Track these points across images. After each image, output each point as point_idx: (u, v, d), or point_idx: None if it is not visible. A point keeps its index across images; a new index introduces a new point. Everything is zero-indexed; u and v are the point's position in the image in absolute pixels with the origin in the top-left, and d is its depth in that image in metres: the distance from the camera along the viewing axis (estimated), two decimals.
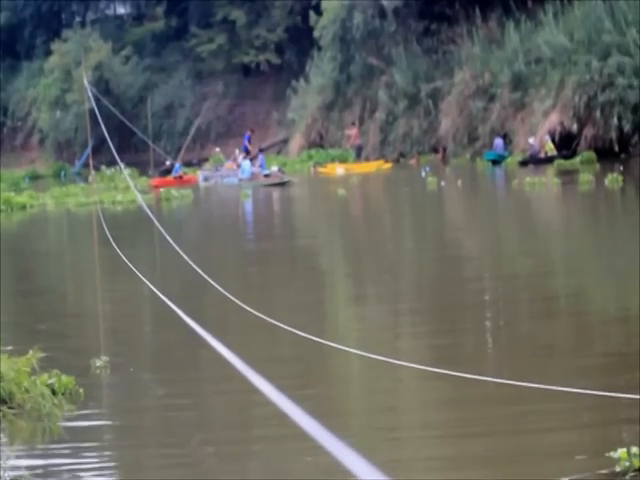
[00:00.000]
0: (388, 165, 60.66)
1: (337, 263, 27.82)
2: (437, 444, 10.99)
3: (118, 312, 21.49)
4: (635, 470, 8.90)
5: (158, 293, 11.95)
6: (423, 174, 51.62)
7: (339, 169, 60.60)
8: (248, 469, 10.49)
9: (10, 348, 13.16)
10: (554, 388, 10.55)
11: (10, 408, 11.83)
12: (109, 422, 12.42)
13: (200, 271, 16.91)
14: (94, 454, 11.19)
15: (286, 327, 13.57)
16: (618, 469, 8.94)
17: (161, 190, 52.59)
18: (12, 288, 25.05)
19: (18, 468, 10.06)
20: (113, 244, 19.64)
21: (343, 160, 64.91)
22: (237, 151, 64.89)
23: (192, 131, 76.61)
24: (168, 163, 61.46)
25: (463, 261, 26.23)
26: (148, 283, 13.90)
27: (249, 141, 62.71)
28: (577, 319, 16.69)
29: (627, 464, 8.95)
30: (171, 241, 19.23)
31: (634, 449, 9.04)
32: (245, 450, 11.14)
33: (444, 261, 25.99)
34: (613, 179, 38.07)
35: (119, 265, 30.32)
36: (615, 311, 17.31)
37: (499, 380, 11.33)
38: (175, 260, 18.17)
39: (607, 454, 9.12)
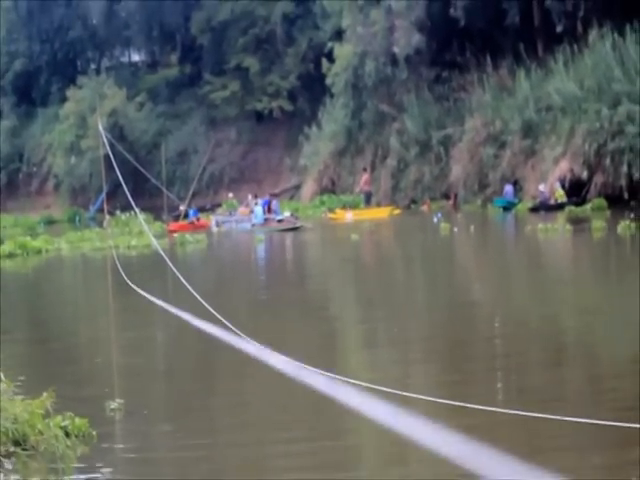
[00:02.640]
0: (398, 211, 60.69)
1: (352, 309, 27.78)
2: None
3: (133, 356, 21.48)
4: None
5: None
6: (435, 220, 51.63)
7: (348, 215, 60.71)
8: None
9: (24, 391, 13.15)
10: (560, 418, 10.53)
11: (24, 450, 11.81)
12: (122, 465, 12.39)
13: (216, 314, 16.91)
14: None
15: (306, 366, 13.57)
16: None
17: (175, 235, 52.77)
18: (27, 333, 25.08)
19: None
20: (133, 286, 19.57)
21: (354, 206, 64.97)
22: (250, 196, 65.06)
23: (198, 174, 76.81)
24: (182, 208, 61.55)
25: (479, 307, 26.21)
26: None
27: (267, 203, 62.57)
28: (585, 365, 16.64)
29: None
30: (188, 285, 19.23)
31: None
32: None
33: (461, 307, 25.99)
34: (626, 226, 38.05)
35: (134, 310, 30.51)
36: (622, 357, 17.26)
37: (516, 412, 11.33)
38: (191, 303, 18.12)
39: None
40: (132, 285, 30.77)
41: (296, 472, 11.59)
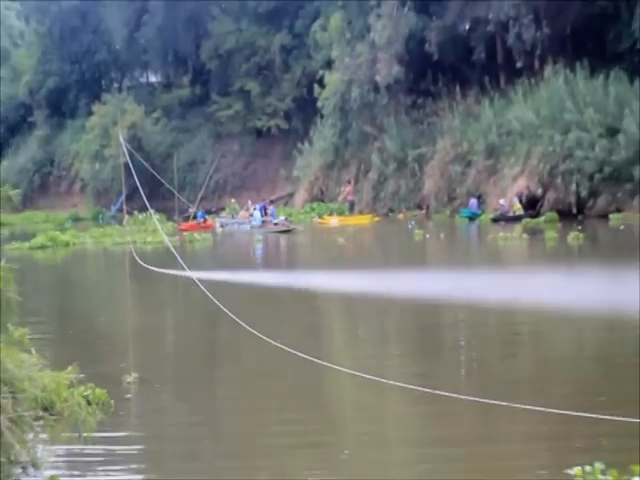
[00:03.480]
0: (377, 218, 60.80)
1: (336, 299, 27.82)
2: (412, 449, 10.96)
3: (147, 336, 21.47)
4: None
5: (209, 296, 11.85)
6: (410, 227, 51.76)
7: (333, 220, 60.89)
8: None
9: (51, 365, 13.13)
10: (522, 406, 10.53)
11: (51, 415, 11.79)
12: (135, 431, 12.42)
13: (218, 303, 16.88)
14: (122, 457, 11.23)
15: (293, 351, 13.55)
16: None
17: (185, 234, 52.90)
18: (55, 315, 25.03)
19: (56, 466, 10.04)
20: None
21: (340, 213, 65.11)
22: (249, 202, 65.14)
23: (205, 181, 76.93)
24: (191, 210, 61.57)
25: (447, 299, 26.30)
26: (209, 293, 13.83)
27: (264, 208, 62.73)
28: (538, 354, 16.65)
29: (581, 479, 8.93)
30: (191, 274, 19.20)
31: (588, 468, 9.01)
32: (254, 462, 11.08)
33: (431, 299, 26.08)
34: (574, 237, 38.16)
35: (149, 295, 30.45)
36: (570, 346, 17.29)
37: (474, 398, 11.29)
38: (197, 292, 18.12)
39: (564, 471, 9.10)
40: (145, 265, 30.87)
41: (285, 436, 11.62)
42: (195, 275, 21.76)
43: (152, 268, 31.92)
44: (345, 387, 13.74)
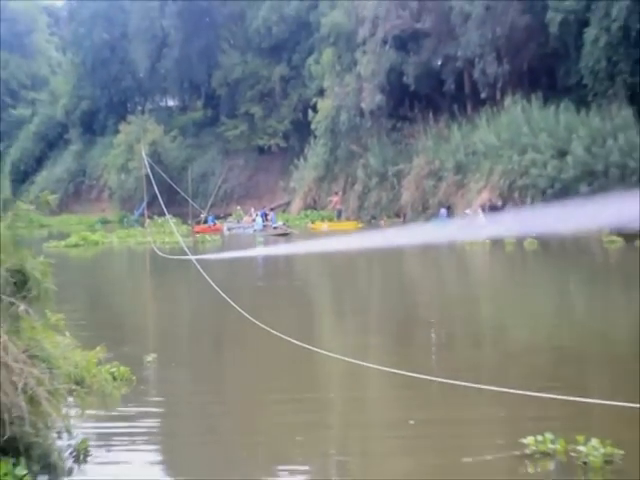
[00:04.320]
0: (361, 225, 60.88)
1: (329, 284, 27.89)
2: (386, 425, 10.97)
3: (165, 321, 21.49)
4: (540, 453, 8.91)
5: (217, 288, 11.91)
6: (390, 231, 51.76)
7: (324, 226, 60.96)
8: (261, 450, 10.43)
9: (82, 345, 13.16)
10: (486, 387, 10.55)
11: (82, 388, 11.81)
12: (154, 402, 12.43)
13: (223, 294, 16.88)
14: (142, 425, 11.24)
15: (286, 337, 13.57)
16: (527, 452, 8.95)
17: (197, 235, 53.01)
18: (86, 302, 25.01)
19: (86, 433, 10.05)
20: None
21: (330, 219, 65.16)
22: (252, 209, 65.22)
23: (215, 190, 77.17)
24: (202, 215, 61.59)
25: (421, 286, 26.41)
26: (212, 283, 13.87)
27: (265, 214, 62.94)
28: (497, 343, 16.67)
29: (534, 448, 8.97)
30: (201, 269, 19.20)
31: (540, 437, 9.05)
32: (258, 437, 11.09)
33: (406, 287, 26.18)
34: (529, 242, 38.19)
35: (166, 286, 30.42)
36: (528, 335, 17.30)
37: (447, 380, 11.29)
38: (202, 282, 18.12)
39: (520, 440, 9.13)
40: (163, 254, 30.75)
41: (285, 413, 11.63)
42: (195, 258, 21.83)
43: (169, 256, 32.18)
44: (328, 366, 13.73)
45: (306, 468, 9.21)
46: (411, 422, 10.69)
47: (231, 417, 11.34)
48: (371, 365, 12.34)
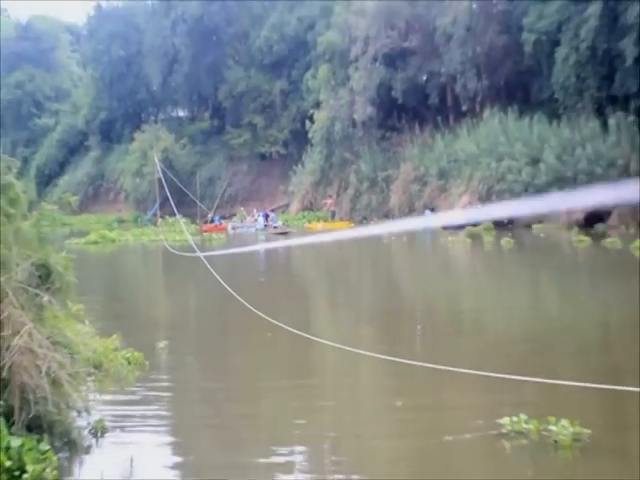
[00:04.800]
0: (353, 224, 60.95)
1: (324, 278, 27.91)
2: (372, 403, 10.98)
3: (176, 311, 21.49)
4: (515, 432, 8.92)
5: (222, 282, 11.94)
6: None
7: (319, 225, 60.99)
8: (262, 431, 10.42)
9: (100, 333, 13.19)
10: (468, 371, 10.54)
11: (100, 371, 11.85)
12: (165, 385, 12.44)
13: (227, 286, 16.87)
14: (154, 406, 11.22)
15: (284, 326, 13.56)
16: (504, 431, 8.97)
17: (205, 233, 53.09)
18: (104, 294, 25.01)
19: (103, 412, 10.04)
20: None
21: (325, 220, 65.21)
22: (255, 210, 65.27)
23: (220, 193, 77.29)
24: (209, 216, 61.59)
25: (408, 280, 26.44)
26: (218, 277, 13.90)
27: (267, 215, 63.04)
28: (478, 330, 16.66)
29: (510, 428, 8.98)
30: (208, 265, 19.19)
31: (515, 418, 9.06)
32: (259, 419, 11.09)
33: (394, 281, 26.22)
34: (506, 241, 38.23)
35: (176, 280, 30.40)
36: (505, 325, 17.31)
37: (429, 365, 11.29)
38: (209, 276, 18.11)
39: (496, 421, 9.15)
40: (175, 251, 30.69)
41: (285, 397, 11.63)
42: (203, 255, 21.80)
43: (181, 253, 32.17)
44: (323, 353, 13.73)
45: (303, 448, 9.23)
46: (398, 404, 10.70)
47: (235, 400, 11.33)
48: (363, 352, 12.33)
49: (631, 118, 47.32)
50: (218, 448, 9.38)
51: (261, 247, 41.92)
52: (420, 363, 11.37)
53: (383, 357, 12.12)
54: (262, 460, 8.83)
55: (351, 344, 13.22)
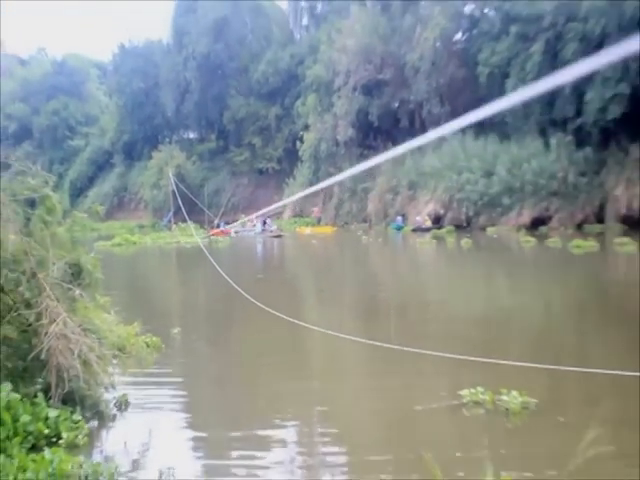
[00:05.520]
0: (335, 228, 61.12)
1: (312, 274, 27.96)
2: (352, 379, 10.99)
3: (189, 302, 21.44)
4: (473, 402, 8.95)
5: (227, 278, 11.92)
6: (359, 234, 52.01)
7: (307, 230, 61.09)
8: (260, 403, 10.42)
9: (124, 321, 13.15)
10: (435, 353, 10.58)
11: (123, 353, 11.82)
12: (179, 365, 12.42)
13: (230, 281, 16.85)
14: (169, 382, 11.22)
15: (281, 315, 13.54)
16: (464, 401, 8.99)
17: (212, 237, 53.02)
18: (127, 289, 24.95)
19: (126, 388, 10.03)
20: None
21: (312, 225, 65.31)
22: (254, 217, 65.14)
23: (225, 203, 77.06)
24: (215, 222, 61.44)
25: (383, 275, 26.49)
26: (222, 273, 13.89)
27: (265, 221, 62.97)
28: (442, 316, 16.70)
29: (469, 399, 9.01)
30: (214, 263, 19.16)
31: (472, 390, 9.09)
32: (258, 392, 11.08)
33: (372, 275, 26.24)
34: (465, 242, 38.39)
35: (191, 274, 30.31)
36: (465, 312, 17.33)
37: (406, 348, 11.30)
38: (215, 273, 18.09)
39: (457, 392, 9.17)
40: (183, 244, 30.52)
41: (280, 374, 11.63)
42: (210, 256, 21.74)
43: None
44: (313, 337, 13.72)
45: (296, 416, 9.24)
46: (375, 381, 10.73)
47: (238, 377, 11.33)
48: (345, 336, 12.35)
49: (569, 138, 47.60)
50: (222, 416, 9.38)
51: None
52: (392, 346, 11.41)
53: (362, 340, 12.15)
54: (259, 428, 8.84)
55: (335, 328, 13.24)
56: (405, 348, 11.18)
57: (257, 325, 15.36)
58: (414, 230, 52.43)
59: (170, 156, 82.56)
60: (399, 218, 56.87)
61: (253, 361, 12.38)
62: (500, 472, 6.00)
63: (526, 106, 50.29)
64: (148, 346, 12.93)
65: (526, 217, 47.93)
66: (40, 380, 8.67)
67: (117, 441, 8.23)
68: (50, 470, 6.76)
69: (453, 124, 3.81)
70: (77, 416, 8.37)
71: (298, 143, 71.14)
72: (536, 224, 46.96)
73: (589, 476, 6.10)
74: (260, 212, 37.01)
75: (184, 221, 55.31)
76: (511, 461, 7.16)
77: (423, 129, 60.78)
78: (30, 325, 8.71)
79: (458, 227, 50.15)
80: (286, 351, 13.08)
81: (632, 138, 44.54)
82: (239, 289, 16.33)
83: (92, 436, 8.36)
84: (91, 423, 8.69)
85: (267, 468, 7.48)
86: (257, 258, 40.45)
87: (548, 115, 48.95)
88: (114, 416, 9.15)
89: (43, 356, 8.44)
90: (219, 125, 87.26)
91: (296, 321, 13.57)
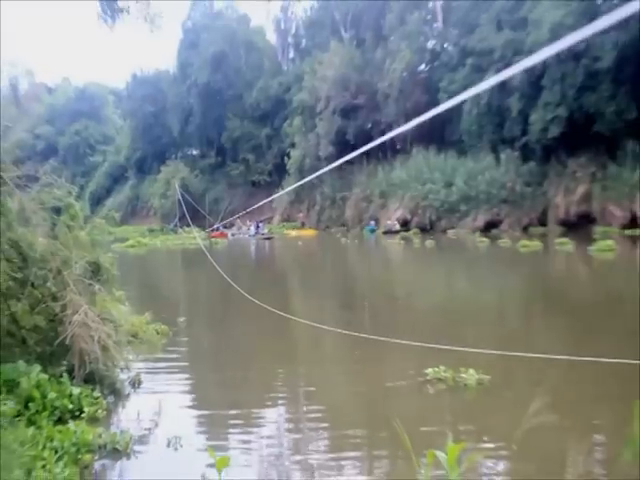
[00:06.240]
0: (317, 232, 61.20)
1: (298, 271, 27.95)
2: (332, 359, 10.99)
3: (193, 294, 21.38)
4: (437, 379, 9.03)
5: (225, 277, 11.84)
6: (338, 236, 52.06)
7: (293, 232, 61.13)
8: (253, 383, 10.39)
9: (136, 311, 13.09)
10: (404, 342, 10.58)
11: (136, 339, 11.78)
12: (184, 350, 12.37)
13: (227, 277, 16.82)
14: (176, 364, 11.15)
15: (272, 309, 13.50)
16: (429, 378, 9.04)
17: (212, 239, 52.88)
18: (138, 284, 24.83)
19: (139, 369, 9.99)
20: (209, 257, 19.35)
21: (298, 228, 65.33)
22: (248, 222, 64.95)
23: (223, 210, 76.68)
24: (215, 226, 61.20)
25: (359, 271, 26.53)
26: (222, 272, 13.81)
27: (257, 225, 62.86)
28: (409, 306, 16.73)
29: (433, 376, 9.08)
30: (213, 262, 19.11)
31: (436, 369, 9.14)
32: (251, 373, 11.04)
33: (349, 271, 26.28)
34: (429, 242, 38.55)
35: (194, 271, 30.18)
36: (428, 302, 17.37)
37: (380, 337, 11.30)
38: (215, 270, 18.04)
39: (423, 371, 9.19)
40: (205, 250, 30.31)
41: (271, 358, 11.62)
42: (210, 255, 21.70)
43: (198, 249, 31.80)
44: (299, 328, 13.73)
45: (285, 395, 9.25)
46: (352, 365, 10.76)
47: (234, 360, 11.28)
48: (326, 327, 12.35)
49: (516, 154, 47.93)
50: (221, 394, 9.36)
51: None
52: (366, 335, 11.42)
53: (340, 331, 12.15)
54: (254, 399, 8.83)
55: (317, 319, 13.25)
56: (381, 338, 11.18)
57: (249, 315, 15.32)
58: (385, 232, 52.54)
59: (176, 170, 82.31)
60: (372, 222, 57.04)
61: (248, 346, 12.35)
62: (459, 438, 6.02)
63: (480, 126, 50.80)
64: (158, 333, 12.88)
65: (480, 221, 48.19)
66: (65, 362, 8.65)
67: (131, 414, 8.23)
68: (74, 440, 6.81)
69: (428, 114, 3.92)
70: (97, 393, 8.39)
71: (286, 159, 71.14)
72: (489, 227, 47.24)
73: (534, 440, 6.17)
74: (241, 213, 37.19)
75: (188, 225, 55.26)
76: (469, 428, 7.21)
77: (393, 146, 61.16)
78: (56, 315, 8.70)
79: (423, 230, 50.28)
80: (274, 338, 13.06)
81: (569, 154, 44.97)
82: (235, 285, 16.26)
83: (110, 410, 8.37)
84: (109, 399, 8.68)
85: (261, 438, 7.50)
86: (250, 257, 40.39)
87: (498, 134, 49.31)
88: (128, 393, 9.14)
89: (67, 342, 8.42)
90: (218, 143, 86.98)
91: (283, 314, 13.52)
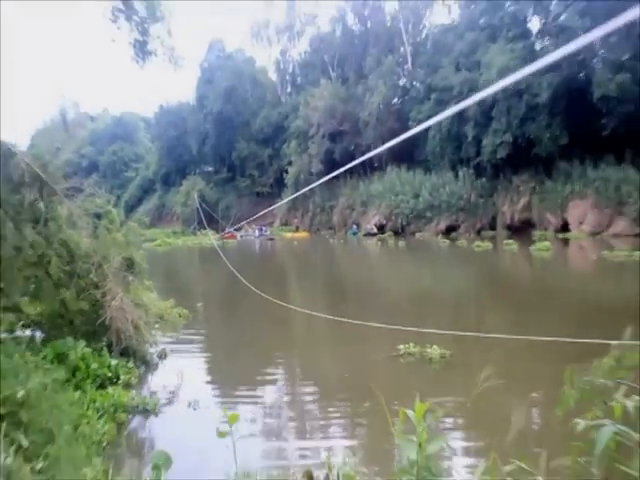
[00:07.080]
0: (309, 234, 61.05)
1: (294, 265, 27.92)
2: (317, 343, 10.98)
3: (208, 286, 21.32)
4: (407, 354, 9.05)
5: (234, 271, 11.72)
6: (326, 238, 52.03)
7: (289, 234, 60.97)
8: (255, 361, 10.38)
9: (162, 298, 13.06)
10: (381, 325, 10.60)
11: (162, 321, 11.75)
12: (202, 330, 12.36)
13: (236, 272, 16.79)
14: (195, 342, 11.14)
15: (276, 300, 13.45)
16: (401, 353, 9.07)
17: (224, 240, 52.70)
18: (163, 277, 24.77)
19: (165, 345, 9.99)
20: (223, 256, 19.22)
21: (294, 231, 65.15)
22: (254, 225, 64.69)
23: (233, 215, 76.11)
24: (227, 229, 60.85)
25: (345, 265, 26.55)
26: (232, 267, 13.73)
27: (261, 228, 62.67)
28: (388, 296, 16.75)
29: (404, 351, 9.10)
30: (225, 259, 19.07)
31: (407, 345, 9.16)
32: (254, 351, 11.04)
33: (336, 266, 26.29)
34: (401, 243, 38.66)
35: (209, 266, 30.03)
36: (401, 292, 17.40)
37: (364, 322, 11.32)
38: (227, 267, 18.01)
39: (396, 347, 9.22)
40: (200, 235, 30.15)
41: (271, 341, 11.61)
42: (222, 253, 21.66)
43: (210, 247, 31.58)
44: (297, 317, 13.71)
45: (281, 373, 9.27)
46: (338, 345, 10.76)
47: (242, 341, 11.26)
48: (316, 314, 12.35)
49: (471, 171, 48.05)
50: (232, 370, 9.36)
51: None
52: (349, 320, 11.43)
53: (327, 316, 12.14)
54: (257, 366, 8.85)
55: (309, 306, 13.25)
56: (365, 323, 11.19)
57: (253, 302, 15.34)
58: (365, 235, 52.56)
59: (195, 183, 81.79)
60: (355, 226, 56.96)
61: (253, 330, 12.34)
62: (425, 399, 6.06)
63: (442, 148, 50.92)
64: (180, 316, 12.86)
65: (442, 226, 48.27)
66: (105, 339, 8.68)
67: (159, 382, 8.28)
68: (112, 401, 6.88)
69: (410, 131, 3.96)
70: (130, 364, 8.44)
71: (284, 174, 70.86)
72: (449, 231, 47.35)
73: (486, 400, 6.23)
74: (249, 219, 37.02)
75: (204, 228, 55.15)
76: (433, 392, 7.26)
77: (371, 165, 61.02)
78: (97, 301, 8.71)
79: (396, 233, 50.30)
80: (274, 322, 13.03)
81: (514, 171, 45.21)
82: (242, 279, 16.22)
83: (141, 378, 8.43)
84: (140, 369, 8.73)
85: (264, 406, 7.53)
86: (256, 254, 40.30)
87: (457, 155, 49.41)
88: (156, 364, 9.19)
89: (107, 322, 8.50)
90: (229, 161, 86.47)
91: (281, 302, 13.51)
